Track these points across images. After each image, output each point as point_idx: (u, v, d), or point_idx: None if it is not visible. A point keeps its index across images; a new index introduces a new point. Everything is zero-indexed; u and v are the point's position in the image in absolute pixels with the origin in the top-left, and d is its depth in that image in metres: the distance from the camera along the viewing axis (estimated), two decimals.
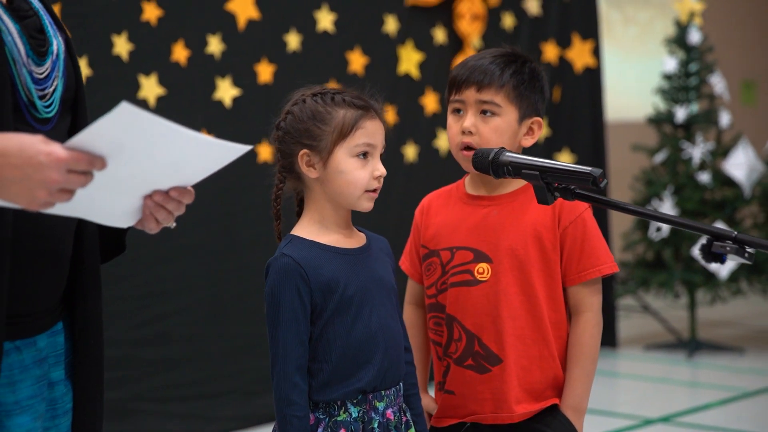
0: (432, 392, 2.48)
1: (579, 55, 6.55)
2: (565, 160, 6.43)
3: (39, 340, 1.81)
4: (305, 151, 2.14)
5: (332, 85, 5.24)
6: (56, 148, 1.54)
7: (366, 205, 2.15)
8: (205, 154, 1.67)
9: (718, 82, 6.69)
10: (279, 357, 2.08)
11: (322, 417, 2.10)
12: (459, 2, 5.87)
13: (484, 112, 2.33)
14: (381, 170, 2.15)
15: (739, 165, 6.49)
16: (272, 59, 5.03)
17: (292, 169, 2.17)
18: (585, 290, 2.36)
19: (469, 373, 2.34)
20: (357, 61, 5.39)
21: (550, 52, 6.44)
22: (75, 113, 1.86)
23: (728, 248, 1.62)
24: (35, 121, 1.76)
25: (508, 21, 6.19)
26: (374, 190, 2.15)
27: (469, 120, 2.33)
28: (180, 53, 4.73)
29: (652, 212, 1.75)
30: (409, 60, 5.66)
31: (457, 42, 5.94)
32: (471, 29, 5.91)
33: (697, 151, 6.48)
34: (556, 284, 2.34)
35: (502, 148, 2.02)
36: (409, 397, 2.24)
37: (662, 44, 6.93)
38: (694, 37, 6.70)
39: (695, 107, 6.71)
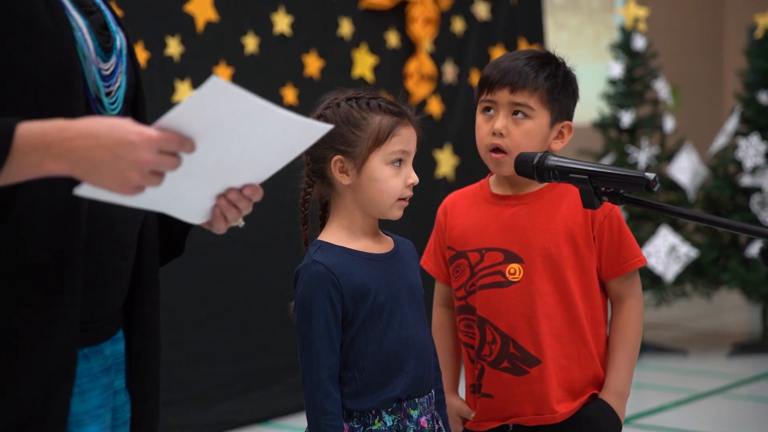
0: (462, 394, 2.45)
1: None
2: None
3: (105, 348, 1.76)
4: (339, 157, 2.09)
5: (289, 89, 5.20)
6: (146, 128, 1.48)
7: (396, 213, 2.12)
8: (290, 134, 1.60)
9: (662, 88, 6.79)
10: (312, 366, 2.03)
11: (356, 426, 2.06)
12: (412, 6, 5.86)
13: (515, 113, 2.30)
14: (414, 178, 2.11)
15: (684, 169, 6.59)
16: (230, 62, 4.96)
17: (323, 174, 2.12)
18: (627, 281, 2.37)
19: (505, 376, 2.32)
20: (313, 64, 5.35)
21: (499, 56, 6.45)
22: (134, 111, 1.80)
23: None
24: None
25: (458, 25, 6.21)
26: (405, 199, 2.12)
27: (501, 122, 2.29)
28: (139, 55, 4.62)
29: (707, 216, 1.74)
30: (364, 63, 5.64)
31: (410, 46, 5.93)
32: (423, 33, 5.90)
33: (642, 156, 6.56)
34: (590, 281, 2.34)
35: (546, 151, 2.00)
36: (438, 403, 2.20)
37: (593, 50, 7.02)
38: (639, 43, 6.79)
39: (629, 116, 6.79)
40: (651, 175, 1.79)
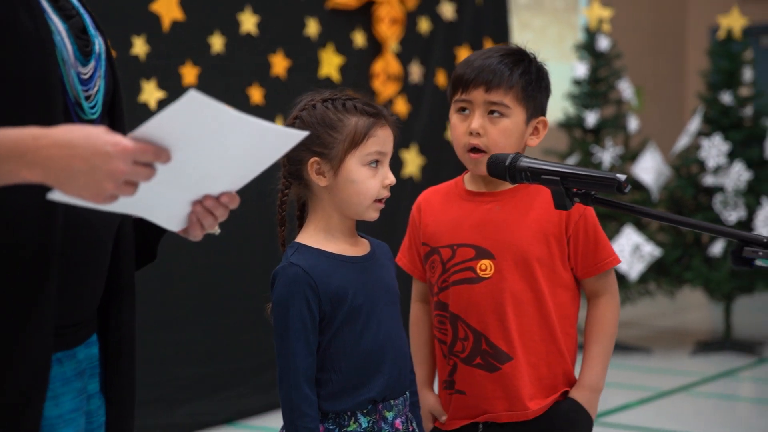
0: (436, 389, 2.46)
1: None
2: None
3: (78, 352, 1.76)
4: (315, 158, 2.09)
5: (255, 89, 5.18)
6: (122, 139, 1.48)
7: (373, 214, 2.12)
8: (266, 142, 1.61)
9: (626, 88, 6.84)
10: (289, 368, 2.03)
11: (331, 427, 2.07)
12: (378, 6, 5.86)
13: (491, 112, 2.30)
14: (391, 178, 2.11)
15: (647, 169, 6.64)
16: (197, 61, 4.94)
17: (300, 175, 2.12)
18: (604, 278, 2.38)
19: (478, 372, 2.32)
20: (279, 64, 5.34)
21: (464, 56, 6.47)
22: (112, 115, 1.79)
23: (760, 253, 1.64)
24: (82, 122, 1.69)
25: (424, 25, 6.22)
26: (382, 200, 2.12)
27: (477, 121, 2.29)
28: None
29: (678, 218, 1.76)
30: (330, 63, 5.63)
31: (376, 46, 5.93)
32: (390, 33, 5.91)
33: (606, 156, 6.60)
34: (560, 279, 2.34)
35: (518, 153, 2.00)
36: (411, 405, 2.21)
37: (557, 50, 7.07)
38: (603, 43, 6.84)
39: (594, 116, 6.83)
40: (622, 177, 1.80)
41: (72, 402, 1.74)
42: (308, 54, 5.52)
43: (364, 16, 5.85)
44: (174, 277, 4.79)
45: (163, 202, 1.63)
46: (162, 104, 4.76)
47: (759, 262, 1.67)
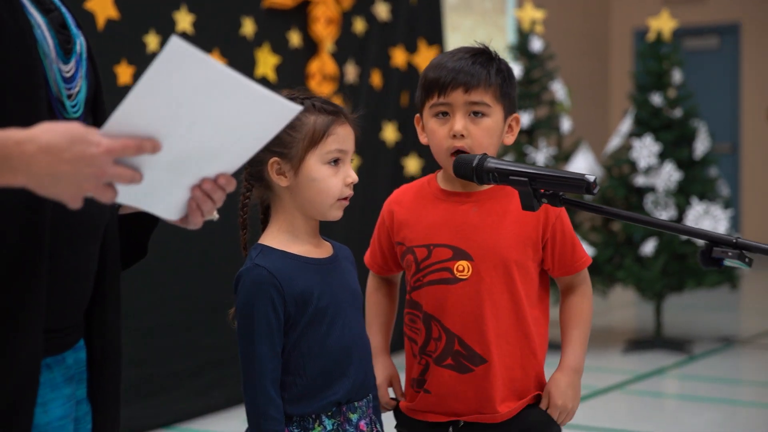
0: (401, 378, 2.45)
1: (425, 60, 6.62)
2: (412, 165, 6.49)
3: (68, 357, 1.71)
4: (275, 159, 2.06)
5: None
6: (103, 138, 1.45)
7: (337, 213, 2.10)
8: (260, 113, 1.55)
9: (559, 89, 6.90)
10: (254, 371, 2.01)
11: (296, 431, 2.04)
12: (314, 6, 5.84)
13: (473, 113, 2.28)
14: (353, 177, 2.09)
15: (580, 169, 6.70)
16: (132, 60, 4.87)
17: (261, 177, 2.09)
18: (577, 275, 2.41)
19: (448, 373, 2.31)
20: (218, 61, 5.27)
21: (399, 57, 6.49)
22: (95, 116, 1.74)
23: (729, 253, 1.66)
24: (64, 120, 1.64)
25: (359, 26, 6.21)
26: (345, 198, 2.10)
27: (460, 122, 2.26)
28: None
29: (647, 218, 1.76)
30: (266, 63, 5.59)
31: (312, 45, 5.91)
32: (326, 33, 5.89)
33: (540, 156, 6.65)
34: (533, 280, 2.34)
35: (485, 154, 2.00)
36: (374, 407, 2.19)
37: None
38: (536, 44, 6.89)
39: (527, 116, 6.88)
40: (591, 178, 1.81)
41: (61, 408, 1.70)
42: (244, 53, 5.48)
43: (300, 16, 5.83)
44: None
45: (161, 190, 1.58)
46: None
47: (728, 262, 1.68)
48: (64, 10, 1.72)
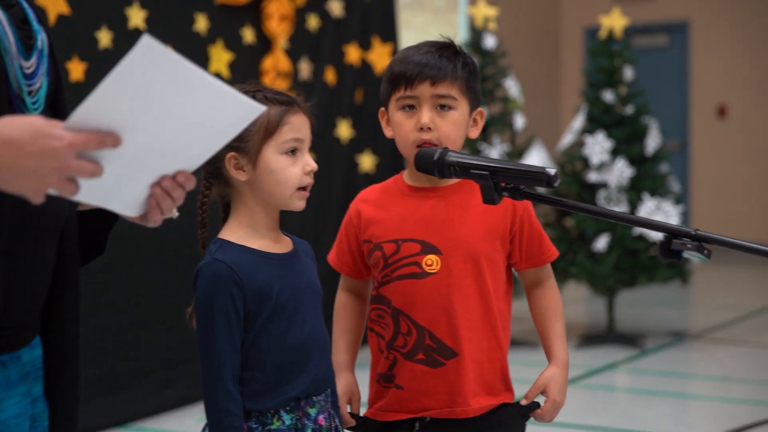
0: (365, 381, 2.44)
1: (379, 57, 6.63)
2: (367, 162, 6.49)
3: (23, 354, 1.69)
4: (232, 153, 2.05)
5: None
6: (66, 132, 1.43)
7: (299, 204, 2.09)
8: (224, 111, 1.55)
9: (512, 86, 6.93)
10: (214, 366, 1.99)
11: (255, 426, 2.03)
12: (268, 2, 5.81)
13: (440, 106, 2.28)
14: (312, 165, 2.08)
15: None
16: (83, 56, 4.82)
17: (220, 174, 2.08)
18: (544, 268, 2.42)
19: (419, 368, 2.30)
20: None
21: (353, 54, 6.48)
22: (55, 113, 1.72)
23: (688, 245, 1.67)
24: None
25: (313, 22, 6.20)
26: (305, 188, 2.09)
27: (427, 115, 2.26)
28: None
29: (607, 211, 1.78)
30: (219, 59, 5.56)
31: (265, 42, 5.89)
32: (279, 30, 5.87)
33: (494, 153, 6.68)
34: (500, 274, 2.35)
35: (446, 148, 2.00)
36: (333, 405, 2.19)
37: None
38: (489, 42, 6.91)
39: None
40: (552, 171, 1.81)
41: (16, 406, 1.68)
42: (197, 50, 5.44)
43: (254, 13, 5.80)
44: None
45: (122, 187, 1.57)
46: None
47: (687, 254, 1.70)
48: (25, 5, 1.69)
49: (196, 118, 1.53)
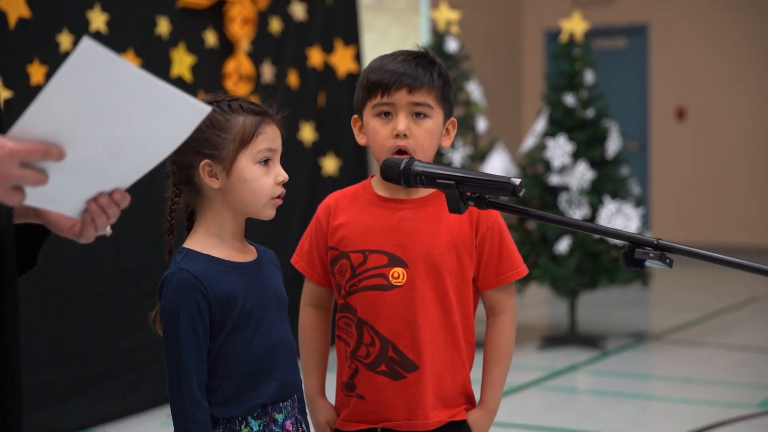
0: (332, 390, 2.45)
1: (342, 60, 6.64)
2: (330, 165, 6.49)
3: None
4: (207, 161, 2.06)
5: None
6: (8, 141, 1.42)
7: (269, 212, 2.11)
8: (169, 115, 1.54)
9: (474, 89, 6.95)
10: (180, 375, 1.99)
11: None
12: (230, 6, 5.80)
13: (417, 114, 2.29)
14: (284, 175, 2.10)
15: (496, 169, 6.77)
16: (44, 60, 4.79)
17: (190, 181, 2.09)
18: (502, 293, 2.39)
19: (381, 379, 2.31)
20: (131, 62, 5.21)
21: (315, 57, 6.48)
22: None
23: (651, 254, 1.69)
24: None
25: (275, 25, 6.19)
26: (279, 197, 2.10)
27: (403, 123, 2.27)
28: None
29: (571, 220, 1.79)
30: (182, 63, 5.55)
31: (227, 45, 5.87)
32: (242, 33, 5.86)
33: (456, 156, 6.70)
34: (467, 289, 2.35)
35: (412, 157, 2.01)
36: (300, 411, 2.20)
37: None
38: (451, 45, 6.94)
39: None
40: (517, 181, 1.83)
41: None
42: (159, 53, 5.43)
43: (216, 16, 5.79)
44: (21, 281, 4.62)
45: (67, 192, 1.57)
46: (9, 104, 4.60)
47: (649, 263, 1.72)
48: None
49: (143, 121, 1.52)
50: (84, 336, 4.94)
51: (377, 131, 2.31)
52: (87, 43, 1.39)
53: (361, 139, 2.38)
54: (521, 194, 1.82)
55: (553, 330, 7.47)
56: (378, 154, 2.31)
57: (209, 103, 2.08)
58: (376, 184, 2.40)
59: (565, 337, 6.95)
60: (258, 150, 2.08)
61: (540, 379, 6.02)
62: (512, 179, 1.82)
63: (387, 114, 2.30)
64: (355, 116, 2.39)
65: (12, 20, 4.65)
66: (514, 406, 5.43)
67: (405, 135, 2.27)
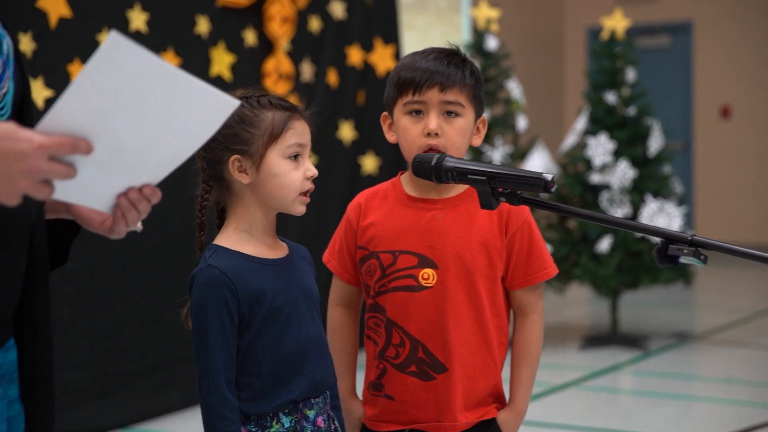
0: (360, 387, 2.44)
1: (381, 59, 6.63)
2: (369, 164, 6.48)
3: None
4: (237, 156, 2.06)
5: None
6: (36, 134, 1.42)
7: (300, 208, 2.10)
8: (197, 109, 1.53)
9: (514, 88, 6.92)
10: (208, 371, 2.00)
11: (254, 429, 2.04)
12: (269, 4, 5.81)
13: (447, 113, 2.27)
14: (313, 170, 2.10)
15: (536, 167, 6.73)
16: (85, 59, 4.82)
17: (220, 177, 2.09)
18: (531, 293, 2.37)
19: (411, 380, 2.30)
20: (170, 62, 5.23)
21: (355, 55, 6.48)
22: (22, 118, 1.71)
23: (685, 251, 1.66)
24: None
25: (315, 24, 6.19)
26: (306, 193, 2.10)
27: (434, 121, 2.25)
28: None
29: (604, 216, 1.77)
30: (221, 62, 5.56)
31: (267, 44, 5.88)
32: (281, 32, 5.87)
33: (496, 154, 6.67)
34: (498, 289, 2.34)
35: (443, 153, 2.00)
36: (333, 408, 2.19)
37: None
38: (491, 43, 6.91)
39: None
40: (549, 176, 1.81)
41: None
42: (199, 52, 5.45)
43: (255, 15, 5.80)
44: (63, 279, 4.66)
45: (96, 186, 1.57)
46: (49, 103, 4.63)
47: (683, 260, 1.69)
48: None
49: (171, 115, 1.52)
50: (121, 333, 4.97)
51: (408, 129, 2.29)
52: (114, 36, 1.39)
53: (390, 137, 2.37)
54: (553, 190, 1.80)
55: (594, 330, 7.42)
56: (408, 152, 2.30)
57: (239, 98, 2.08)
58: (405, 181, 2.39)
59: (607, 336, 6.90)
60: (287, 145, 2.08)
61: (580, 379, 5.97)
62: (544, 174, 1.80)
63: (418, 112, 2.29)
64: (385, 113, 2.38)
65: (53, 20, 4.68)
66: (553, 406, 5.40)
67: (436, 134, 2.26)
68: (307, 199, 2.11)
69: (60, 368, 4.67)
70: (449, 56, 2.31)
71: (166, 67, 1.46)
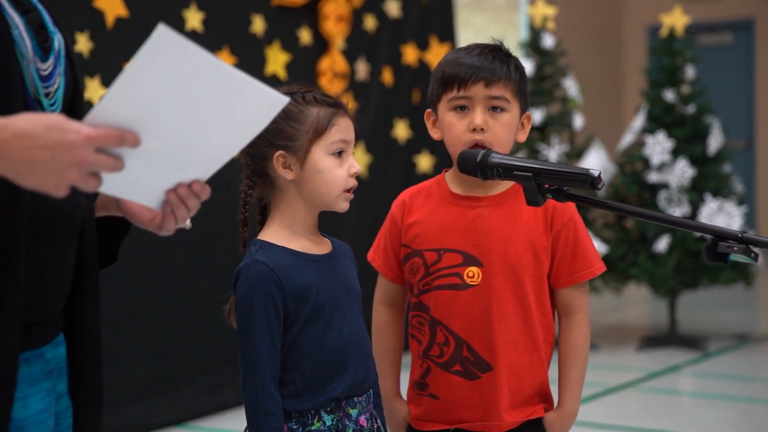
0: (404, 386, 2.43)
1: (437, 57, 6.61)
2: (425, 163, 6.47)
3: (46, 351, 1.70)
4: (281, 152, 2.06)
5: None
6: (84, 126, 1.43)
7: (343, 205, 2.10)
8: (246, 105, 1.53)
9: (571, 86, 6.86)
10: (254, 366, 1.99)
11: (295, 427, 2.04)
12: (324, 3, 5.82)
13: (493, 108, 2.26)
14: (357, 167, 2.10)
15: (593, 166, 6.66)
16: None
17: (264, 173, 2.09)
18: (576, 292, 2.34)
19: (456, 379, 2.29)
20: (225, 61, 5.26)
21: (410, 54, 6.47)
22: (72, 114, 1.73)
23: (735, 248, 1.63)
24: None
25: (370, 23, 6.19)
26: (350, 189, 2.09)
27: (480, 117, 2.24)
28: None
29: (650, 213, 1.74)
30: (276, 61, 5.58)
31: (322, 43, 5.89)
32: (336, 30, 5.87)
33: (552, 153, 6.62)
34: (544, 287, 2.31)
35: (489, 149, 1.98)
36: (375, 405, 2.18)
37: (515, 48, 7.07)
38: (548, 41, 6.86)
39: (540, 113, 6.85)
40: (596, 172, 1.78)
41: (40, 402, 1.69)
42: (254, 51, 5.47)
43: (310, 14, 5.81)
44: (120, 276, 4.71)
45: (143, 181, 1.57)
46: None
47: (733, 257, 1.66)
48: (42, 9, 1.71)
49: (218, 109, 1.51)
50: (178, 331, 5.00)
51: (453, 125, 2.27)
52: (162, 29, 1.39)
53: (435, 134, 2.35)
54: (601, 186, 1.78)
55: (652, 330, 7.33)
56: (453, 148, 2.28)
57: (284, 94, 2.08)
58: (450, 179, 2.37)
59: (665, 337, 6.81)
60: (332, 141, 2.07)
61: (638, 380, 5.91)
62: (591, 170, 1.78)
63: (463, 108, 2.27)
64: (429, 110, 2.36)
65: (110, 19, 4.73)
66: (610, 408, 5.34)
67: (482, 129, 2.24)
68: (351, 196, 2.10)
69: (117, 366, 4.74)
70: (493, 51, 2.29)
71: (213, 62, 1.45)
